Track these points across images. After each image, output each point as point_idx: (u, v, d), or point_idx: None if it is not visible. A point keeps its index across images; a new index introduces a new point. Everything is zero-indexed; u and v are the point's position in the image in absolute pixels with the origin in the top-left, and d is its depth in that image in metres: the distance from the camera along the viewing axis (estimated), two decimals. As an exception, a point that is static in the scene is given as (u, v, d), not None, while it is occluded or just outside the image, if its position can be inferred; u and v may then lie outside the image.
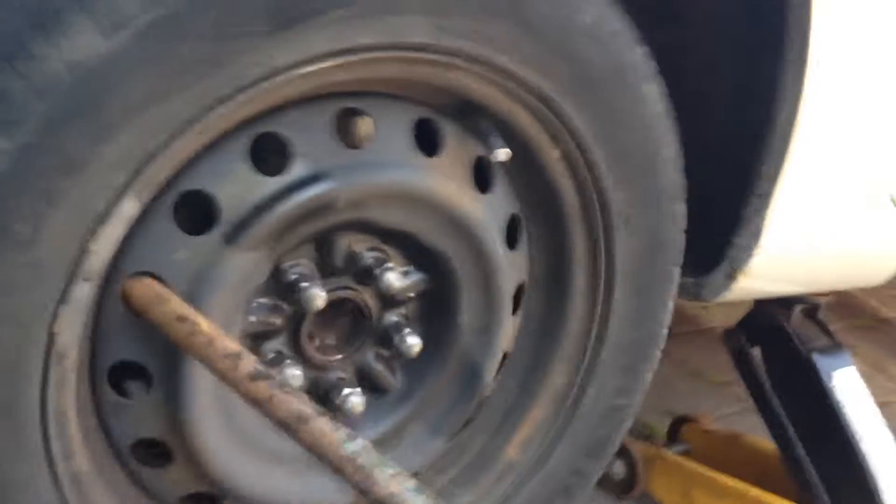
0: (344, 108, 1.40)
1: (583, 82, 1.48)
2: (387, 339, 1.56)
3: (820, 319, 2.12)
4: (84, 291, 1.23)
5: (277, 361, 1.47)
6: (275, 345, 1.47)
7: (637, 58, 1.52)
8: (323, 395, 1.52)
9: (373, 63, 1.33)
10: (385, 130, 1.43)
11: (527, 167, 1.58)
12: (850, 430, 2.01)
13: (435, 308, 1.59)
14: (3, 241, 1.13)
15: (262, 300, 1.43)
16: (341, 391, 1.52)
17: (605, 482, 2.15)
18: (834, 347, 2.09)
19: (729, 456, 2.28)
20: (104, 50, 1.13)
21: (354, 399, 1.52)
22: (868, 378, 2.15)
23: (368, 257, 1.49)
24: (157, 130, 1.19)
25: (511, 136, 1.52)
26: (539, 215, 1.64)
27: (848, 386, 2.04)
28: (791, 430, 2.08)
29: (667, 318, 1.76)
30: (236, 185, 1.34)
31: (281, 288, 1.43)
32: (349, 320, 1.54)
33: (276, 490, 1.51)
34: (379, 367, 1.58)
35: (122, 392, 1.37)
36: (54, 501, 1.30)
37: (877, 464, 1.98)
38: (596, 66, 1.48)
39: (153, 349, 1.34)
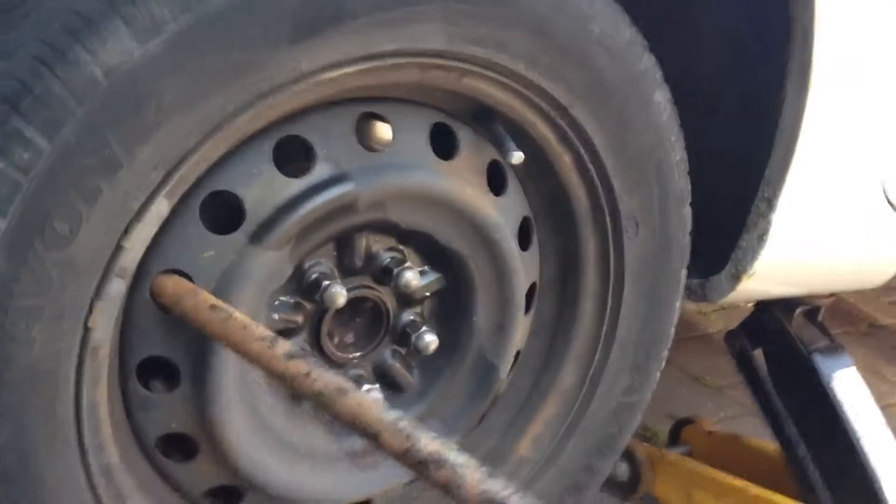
0: (364, 112, 1.44)
1: (596, 90, 1.52)
2: (404, 337, 1.59)
3: (820, 321, 2.13)
4: (117, 288, 1.27)
5: (298, 358, 1.50)
6: (296, 342, 1.50)
7: (647, 66, 1.56)
8: (342, 391, 1.56)
9: (393, 69, 1.37)
10: (404, 134, 1.47)
11: (539, 171, 1.61)
12: (851, 430, 2.01)
13: (451, 307, 1.62)
14: (42, 238, 1.17)
15: (285, 298, 1.47)
16: (360, 388, 1.52)
17: (608, 484, 2.14)
18: (834, 348, 2.09)
19: (730, 457, 2.28)
20: (139, 55, 1.17)
21: (372, 396, 1.53)
22: (865, 382, 2.17)
23: (387, 257, 1.52)
24: (188, 133, 1.24)
25: (525, 141, 1.56)
26: (551, 218, 1.68)
27: (849, 386, 2.05)
28: (793, 430, 2.09)
29: (674, 319, 1.79)
30: (261, 186, 1.37)
31: (303, 286, 1.47)
32: (367, 319, 1.57)
33: (300, 484, 1.54)
34: (396, 365, 1.60)
35: (149, 387, 1.40)
36: (87, 493, 1.33)
37: (878, 462, 1.99)
38: (609, 75, 1.52)
39: (181, 345, 1.38)
